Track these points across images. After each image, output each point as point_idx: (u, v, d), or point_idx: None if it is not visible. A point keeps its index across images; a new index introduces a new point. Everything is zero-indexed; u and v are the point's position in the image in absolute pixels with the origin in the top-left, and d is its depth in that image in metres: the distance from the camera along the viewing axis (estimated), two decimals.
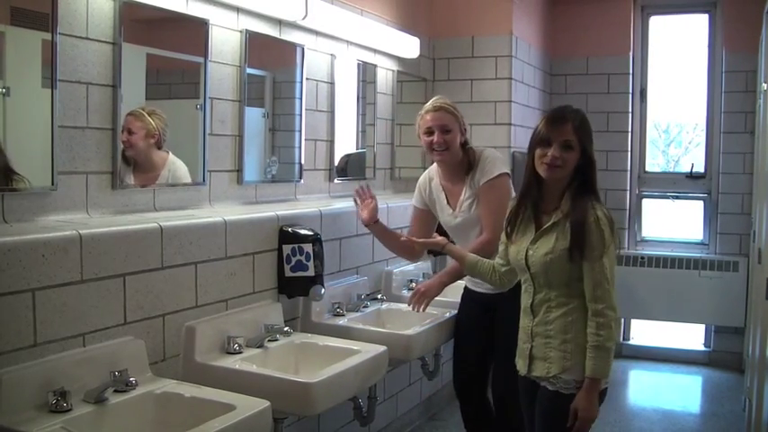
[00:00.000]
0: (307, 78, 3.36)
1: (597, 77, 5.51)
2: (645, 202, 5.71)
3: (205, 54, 2.70)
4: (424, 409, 4.14)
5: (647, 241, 5.70)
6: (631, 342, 5.67)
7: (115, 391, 1.96)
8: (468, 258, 2.63)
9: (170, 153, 2.59)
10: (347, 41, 3.67)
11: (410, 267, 3.79)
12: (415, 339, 2.90)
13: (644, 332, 5.80)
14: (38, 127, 2.10)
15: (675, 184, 5.58)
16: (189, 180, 2.67)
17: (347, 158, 3.76)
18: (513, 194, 2.93)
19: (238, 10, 2.88)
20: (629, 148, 5.55)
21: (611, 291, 2.15)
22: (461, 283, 3.20)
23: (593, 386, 2.15)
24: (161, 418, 2.01)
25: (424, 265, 3.91)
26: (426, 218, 3.17)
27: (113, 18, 2.31)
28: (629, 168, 5.55)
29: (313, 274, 2.75)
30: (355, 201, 3.15)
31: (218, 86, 2.80)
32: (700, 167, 5.52)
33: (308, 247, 2.75)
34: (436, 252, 3.30)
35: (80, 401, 1.90)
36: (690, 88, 5.63)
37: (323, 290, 2.84)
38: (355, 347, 2.57)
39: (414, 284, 3.65)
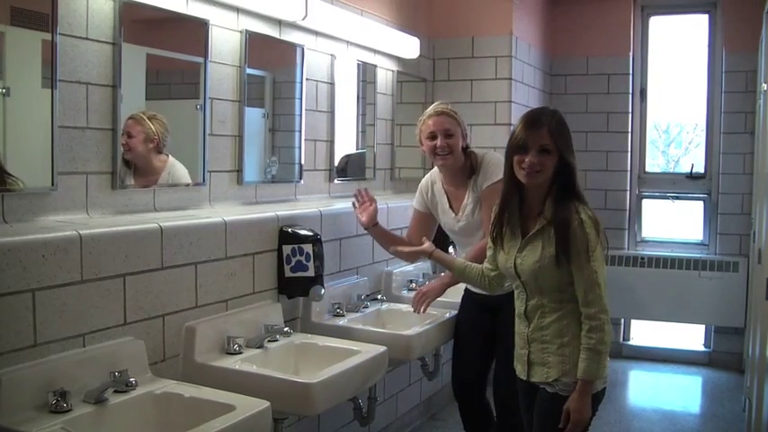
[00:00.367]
0: (307, 79, 3.36)
1: (597, 78, 5.51)
2: (645, 202, 5.71)
3: (205, 54, 2.70)
4: (424, 410, 4.14)
5: (646, 242, 5.70)
6: (631, 342, 5.67)
7: (115, 391, 1.96)
8: (456, 264, 2.64)
9: (170, 156, 2.59)
10: (347, 42, 3.67)
11: (410, 268, 3.79)
12: (415, 340, 2.90)
13: (644, 332, 5.80)
14: (38, 127, 2.10)
15: (675, 185, 5.58)
16: (188, 182, 2.67)
17: (347, 159, 3.76)
18: None
19: (238, 10, 2.88)
20: (629, 149, 5.55)
21: (602, 294, 2.14)
22: (462, 285, 3.20)
23: (586, 388, 2.15)
24: (161, 418, 2.01)
25: (424, 265, 3.91)
26: (426, 220, 3.17)
27: (113, 18, 2.31)
28: (628, 169, 5.55)
29: (313, 274, 2.75)
30: (354, 204, 3.15)
31: (218, 87, 2.80)
32: (700, 168, 5.52)
33: (307, 248, 2.75)
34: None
35: (80, 402, 1.90)
36: (690, 88, 5.63)
37: (323, 290, 2.84)
38: (355, 348, 2.57)
39: (414, 285, 3.66)
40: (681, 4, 5.63)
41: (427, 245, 2.77)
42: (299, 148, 3.34)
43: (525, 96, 4.84)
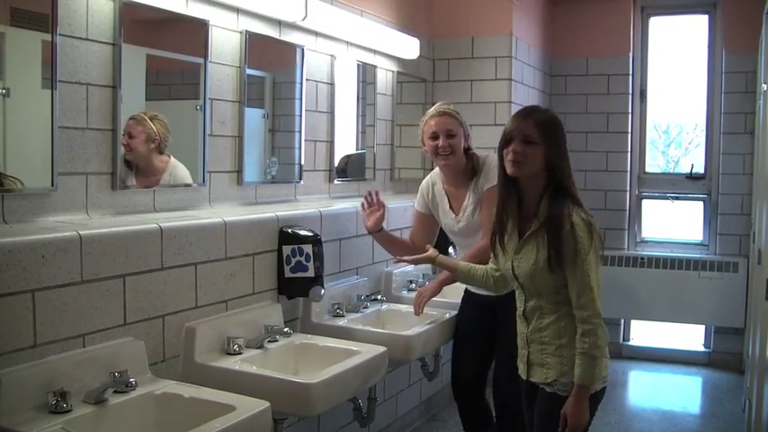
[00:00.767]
0: (307, 79, 3.37)
1: (597, 78, 5.52)
2: (645, 202, 5.71)
3: (205, 55, 2.71)
4: (423, 410, 4.14)
5: (646, 242, 5.70)
6: (631, 343, 5.67)
7: (115, 391, 1.96)
8: (459, 267, 2.63)
9: (171, 157, 2.59)
10: (347, 42, 3.67)
11: (410, 268, 3.79)
12: (415, 340, 2.90)
13: (644, 333, 5.80)
14: (38, 128, 2.10)
15: (675, 185, 5.58)
16: (190, 183, 2.67)
17: (347, 159, 3.76)
18: None
19: (238, 11, 2.88)
20: (629, 149, 5.55)
21: (595, 298, 2.12)
22: (462, 285, 3.20)
23: (582, 393, 2.14)
24: (161, 418, 2.01)
25: (424, 266, 3.91)
26: (428, 222, 3.18)
27: (113, 19, 2.31)
28: (628, 169, 5.55)
29: (313, 274, 2.75)
30: (363, 205, 3.15)
31: (217, 87, 2.80)
32: (699, 168, 5.52)
33: (307, 248, 2.75)
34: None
35: (80, 402, 1.90)
36: (690, 89, 5.63)
37: (323, 290, 2.84)
38: (355, 348, 2.57)
39: (414, 285, 3.66)
40: (681, 5, 5.63)
41: (430, 251, 2.76)
42: (299, 148, 3.34)
43: (525, 97, 4.84)
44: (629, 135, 5.55)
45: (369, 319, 3.17)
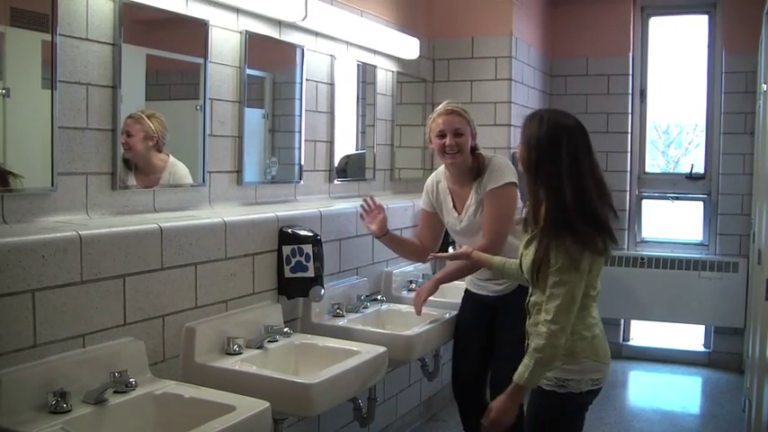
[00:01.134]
0: (307, 79, 3.37)
1: (597, 78, 5.52)
2: (644, 202, 5.71)
3: (205, 55, 2.71)
4: (423, 410, 4.14)
5: (646, 242, 5.70)
6: (631, 343, 5.67)
7: (115, 392, 1.96)
8: (494, 262, 2.61)
9: (170, 156, 2.59)
10: (347, 42, 3.67)
11: (410, 268, 3.79)
12: (415, 340, 2.90)
13: (644, 333, 5.80)
14: (38, 128, 2.10)
15: (675, 185, 5.58)
16: (190, 182, 2.68)
17: (347, 159, 3.76)
18: (520, 204, 2.95)
19: (238, 11, 2.88)
20: (629, 149, 5.55)
21: (560, 308, 2.08)
22: (462, 285, 3.21)
23: (513, 391, 2.15)
24: (161, 419, 2.01)
25: (424, 266, 3.91)
26: (434, 220, 3.18)
27: (113, 19, 2.31)
28: (628, 169, 5.55)
29: (313, 274, 2.75)
30: (361, 215, 3.15)
31: (217, 87, 2.80)
32: (699, 168, 5.53)
33: (307, 248, 2.75)
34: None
35: (80, 402, 1.90)
36: (689, 89, 5.63)
37: (323, 291, 2.84)
38: (355, 348, 2.57)
39: (413, 285, 3.66)
40: (681, 5, 5.63)
41: (465, 248, 2.72)
42: (299, 148, 3.34)
43: (525, 97, 4.84)
44: (629, 135, 5.55)
45: (369, 320, 3.17)
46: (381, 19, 4.01)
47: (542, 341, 2.09)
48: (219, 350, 2.42)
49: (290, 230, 2.77)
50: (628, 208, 5.56)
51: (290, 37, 3.23)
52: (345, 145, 3.75)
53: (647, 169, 5.73)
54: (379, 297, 3.34)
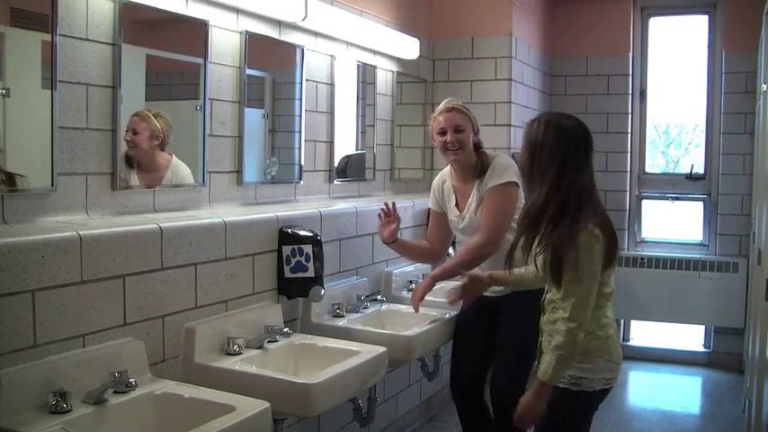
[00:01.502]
0: (306, 79, 3.37)
1: (597, 78, 5.52)
2: (644, 203, 5.71)
3: (205, 55, 2.71)
4: (423, 410, 4.14)
5: (646, 242, 5.70)
6: (631, 343, 5.67)
7: (115, 392, 1.96)
8: (510, 278, 2.62)
9: (173, 155, 2.59)
10: (347, 42, 3.67)
11: (410, 268, 3.79)
12: (415, 340, 2.90)
13: (644, 333, 5.80)
14: (38, 128, 2.10)
15: (675, 185, 5.58)
16: (192, 182, 2.68)
17: (347, 159, 3.76)
18: (522, 203, 2.96)
19: (238, 11, 2.88)
20: (629, 149, 5.55)
21: (576, 304, 2.12)
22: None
23: (540, 388, 2.19)
24: (161, 419, 2.01)
25: (424, 266, 3.91)
26: (443, 220, 3.19)
27: (113, 19, 2.31)
28: (628, 169, 5.55)
29: (313, 275, 2.75)
30: (379, 215, 3.16)
31: (217, 87, 2.80)
32: (699, 168, 5.53)
33: (307, 248, 2.75)
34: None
35: (80, 402, 1.90)
36: (689, 89, 5.63)
37: (323, 291, 2.84)
38: (355, 348, 2.57)
39: (413, 285, 3.66)
40: (680, 5, 5.63)
41: (480, 274, 2.74)
42: (299, 148, 3.34)
43: (525, 97, 4.84)
44: (629, 135, 5.55)
45: (369, 320, 3.17)
46: (381, 19, 4.01)
47: (562, 338, 2.14)
48: (219, 350, 2.42)
49: (290, 230, 2.77)
50: (628, 208, 5.56)
51: (290, 37, 3.23)
52: (345, 145, 3.75)
53: (647, 169, 5.73)
54: (379, 297, 3.34)
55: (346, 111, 3.74)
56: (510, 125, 4.52)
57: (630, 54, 5.49)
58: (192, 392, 2.05)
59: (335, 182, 3.62)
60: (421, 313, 3.09)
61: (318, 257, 2.78)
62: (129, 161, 2.41)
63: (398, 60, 4.20)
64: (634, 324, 5.75)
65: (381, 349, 2.58)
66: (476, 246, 2.92)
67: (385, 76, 4.09)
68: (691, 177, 5.51)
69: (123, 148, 2.37)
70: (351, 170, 3.81)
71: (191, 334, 2.34)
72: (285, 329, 2.62)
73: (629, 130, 5.55)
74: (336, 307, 3.08)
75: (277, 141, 3.28)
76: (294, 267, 2.74)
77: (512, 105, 4.54)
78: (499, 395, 2.91)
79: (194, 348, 2.33)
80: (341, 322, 3.02)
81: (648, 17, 5.62)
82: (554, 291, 2.25)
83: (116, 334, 2.10)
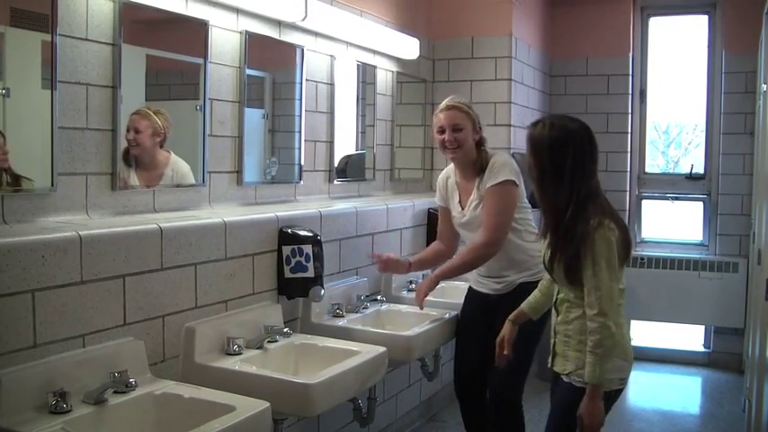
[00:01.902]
0: (306, 79, 3.37)
1: (597, 78, 5.52)
2: (644, 203, 5.71)
3: (205, 55, 2.71)
4: (423, 410, 4.14)
5: (646, 242, 5.70)
6: (631, 343, 5.65)
7: (115, 392, 1.96)
8: (526, 310, 2.58)
9: (171, 153, 2.59)
10: (347, 42, 3.67)
11: None
12: (415, 340, 2.90)
13: (644, 333, 5.80)
14: (38, 128, 2.10)
15: (675, 185, 5.58)
16: (192, 179, 2.68)
17: (347, 159, 3.76)
18: (524, 202, 2.96)
19: (238, 11, 2.88)
20: (629, 149, 5.55)
21: (602, 298, 2.14)
22: (463, 285, 3.21)
23: (593, 392, 2.17)
24: (161, 419, 2.01)
25: None
26: (450, 215, 3.19)
27: (113, 19, 2.31)
28: (628, 169, 5.55)
29: (313, 275, 2.75)
30: (379, 270, 3.18)
31: (217, 87, 2.80)
32: (699, 168, 5.53)
33: (307, 248, 2.75)
34: None
35: (80, 402, 1.90)
36: (689, 89, 5.63)
37: (322, 291, 2.84)
38: (355, 348, 2.57)
39: (413, 285, 3.66)
40: (680, 5, 5.63)
41: (507, 327, 2.65)
42: (299, 148, 3.34)
43: (525, 97, 4.84)
44: (629, 135, 5.55)
45: (368, 320, 3.17)
46: (381, 19, 4.01)
47: (597, 336, 2.14)
48: (219, 350, 2.42)
49: (289, 231, 2.77)
50: (628, 208, 5.56)
51: (290, 37, 3.23)
52: (345, 145, 3.75)
53: (647, 169, 5.73)
54: (378, 297, 3.34)
55: (346, 111, 3.74)
56: (510, 125, 4.52)
57: (630, 54, 5.49)
58: (192, 392, 2.05)
59: (335, 182, 3.62)
60: (421, 313, 3.10)
61: (318, 257, 2.78)
62: (128, 160, 2.41)
63: (398, 60, 4.20)
64: (634, 324, 5.74)
65: (381, 349, 2.58)
66: (477, 246, 2.92)
67: (385, 76, 4.09)
68: (691, 177, 5.51)
69: (123, 144, 2.37)
70: (351, 170, 3.81)
71: (191, 334, 2.34)
72: (285, 329, 2.62)
73: (629, 130, 5.54)
74: (336, 307, 3.08)
75: (277, 141, 3.28)
76: (294, 267, 2.74)
77: (512, 105, 4.54)
78: (496, 393, 2.92)
79: (194, 348, 2.33)
80: (341, 322, 3.02)
81: (648, 17, 5.62)
82: (566, 290, 2.25)
83: (116, 334, 2.10)
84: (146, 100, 2.50)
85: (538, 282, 2.61)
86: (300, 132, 3.34)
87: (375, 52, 3.95)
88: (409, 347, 2.88)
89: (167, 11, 2.53)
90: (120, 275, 2.10)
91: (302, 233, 2.78)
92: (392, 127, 4.20)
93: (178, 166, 2.63)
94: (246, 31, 2.91)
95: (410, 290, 3.64)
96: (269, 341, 2.57)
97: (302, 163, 3.35)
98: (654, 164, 5.93)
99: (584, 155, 2.23)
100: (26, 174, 2.06)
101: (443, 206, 3.20)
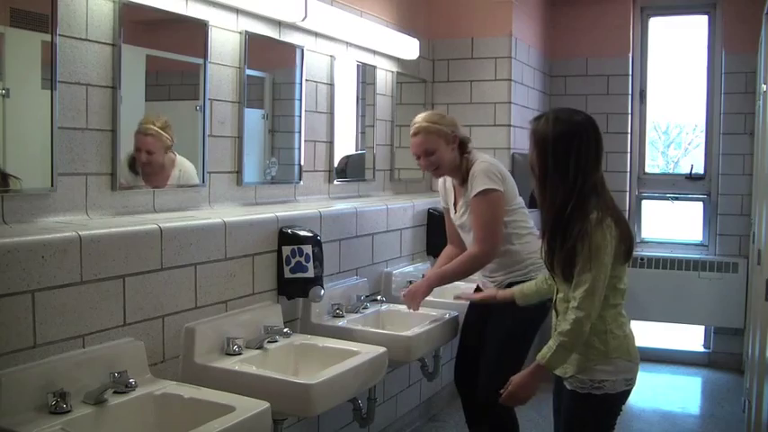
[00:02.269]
0: (306, 80, 3.37)
1: (597, 79, 5.52)
2: (644, 203, 5.71)
3: (205, 55, 2.71)
4: (423, 411, 4.14)
5: (646, 242, 5.70)
6: (635, 343, 5.65)
7: (115, 392, 1.96)
8: (516, 294, 2.64)
9: (177, 154, 2.60)
10: (347, 43, 3.67)
11: (410, 269, 3.79)
12: (415, 341, 2.90)
13: (643, 333, 5.79)
14: (37, 128, 2.10)
15: (675, 186, 5.58)
16: (197, 179, 2.70)
17: (347, 160, 3.76)
18: (518, 204, 2.95)
19: (238, 11, 2.88)
20: (629, 150, 5.55)
21: (587, 295, 2.10)
22: (464, 286, 3.22)
23: (537, 370, 2.18)
24: (160, 419, 2.01)
25: (423, 266, 3.91)
26: None
27: (113, 19, 2.31)
28: (628, 170, 5.55)
29: (312, 275, 2.75)
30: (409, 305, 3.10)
31: (217, 88, 2.80)
32: (699, 169, 5.53)
33: (307, 249, 2.75)
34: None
35: (80, 403, 1.90)
36: (689, 89, 5.63)
37: (322, 291, 2.83)
38: (355, 349, 2.57)
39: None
40: (680, 5, 5.63)
41: (489, 291, 2.83)
42: (299, 149, 3.34)
43: (525, 97, 4.84)
44: (629, 136, 5.55)
45: (368, 320, 3.17)
46: (381, 19, 4.01)
47: (568, 326, 2.11)
48: (219, 350, 2.42)
49: (289, 231, 2.77)
50: (627, 208, 5.56)
51: (290, 37, 3.23)
52: (345, 145, 3.75)
53: (647, 170, 5.73)
54: (378, 297, 3.33)
55: (346, 111, 3.74)
56: (510, 125, 4.52)
57: (630, 54, 5.49)
58: (192, 393, 2.05)
59: (335, 182, 3.62)
60: (421, 313, 3.10)
61: (318, 258, 2.78)
62: (134, 168, 2.43)
63: (398, 60, 4.20)
64: (634, 324, 5.71)
65: (381, 350, 2.58)
66: (471, 257, 2.93)
67: (385, 76, 4.09)
68: (691, 177, 5.51)
69: (125, 149, 2.37)
70: (351, 170, 3.81)
71: (191, 334, 2.34)
72: (285, 330, 2.62)
73: (629, 131, 5.54)
74: (336, 307, 3.08)
75: (277, 141, 3.28)
76: (294, 268, 2.74)
77: (511, 106, 4.54)
78: (481, 393, 2.94)
79: (194, 348, 2.33)
80: (341, 323, 3.02)
81: (648, 17, 5.62)
82: (566, 290, 2.22)
83: (116, 334, 2.10)
84: (146, 100, 2.50)
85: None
86: (300, 132, 3.34)
87: (375, 52, 3.95)
88: (409, 348, 2.88)
89: (167, 11, 2.53)
90: (119, 276, 2.10)
91: (302, 233, 2.78)
92: (392, 127, 4.20)
93: (185, 166, 2.65)
94: (246, 31, 2.91)
95: None
96: (269, 341, 2.57)
97: (302, 163, 3.35)
98: (654, 164, 5.94)
99: (590, 149, 2.22)
100: (25, 173, 2.05)
101: (446, 207, 3.20)
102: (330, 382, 2.27)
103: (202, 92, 2.72)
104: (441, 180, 3.20)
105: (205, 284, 2.42)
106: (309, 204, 3.24)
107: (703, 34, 5.48)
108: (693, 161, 5.60)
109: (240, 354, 2.43)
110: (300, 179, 3.34)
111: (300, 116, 3.34)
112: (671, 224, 5.73)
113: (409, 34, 4.18)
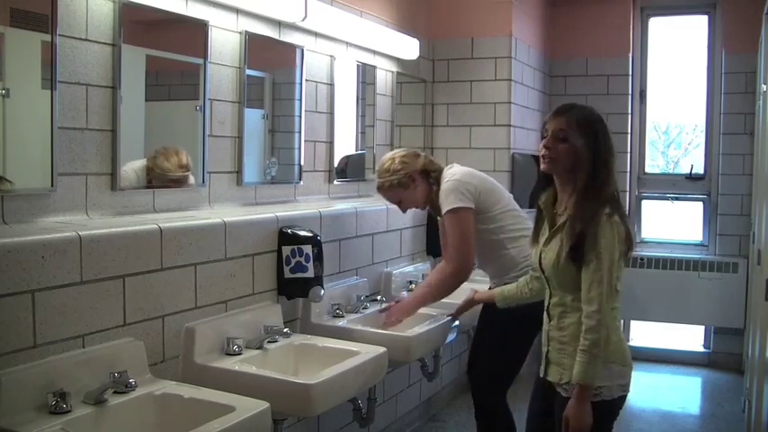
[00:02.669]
0: (306, 80, 3.37)
1: (597, 79, 5.52)
2: (644, 203, 5.71)
3: (205, 55, 2.71)
4: (423, 411, 4.14)
5: (646, 242, 5.70)
6: (631, 343, 5.65)
7: (115, 392, 1.96)
8: (496, 296, 2.67)
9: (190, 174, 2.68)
10: (347, 43, 3.67)
11: (409, 269, 3.79)
12: (415, 341, 2.90)
13: (643, 333, 5.80)
14: (37, 128, 2.10)
15: (675, 186, 5.58)
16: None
17: (347, 160, 3.76)
18: (493, 210, 2.93)
19: (238, 11, 2.88)
20: (629, 150, 5.55)
21: (603, 293, 2.06)
22: (463, 286, 3.21)
23: (582, 393, 2.08)
24: (160, 419, 2.01)
25: (423, 266, 3.92)
26: None
27: (113, 19, 2.31)
28: (628, 170, 5.55)
29: (312, 275, 2.75)
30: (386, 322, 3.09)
31: (217, 88, 2.80)
32: (699, 169, 5.53)
33: (307, 249, 2.75)
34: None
35: (80, 403, 1.90)
36: (689, 89, 5.64)
37: (322, 291, 2.84)
38: (355, 349, 2.57)
39: (412, 286, 3.65)
40: (680, 5, 5.63)
41: (469, 294, 2.88)
42: (299, 149, 3.34)
43: (525, 97, 4.84)
44: (629, 136, 5.55)
45: (368, 320, 3.16)
46: (381, 19, 4.01)
47: (596, 335, 2.05)
48: (219, 350, 2.42)
49: (289, 231, 2.77)
50: (627, 208, 5.55)
51: (290, 37, 3.23)
52: (345, 145, 3.74)
53: (647, 170, 5.73)
54: (378, 297, 3.34)
55: (346, 111, 3.74)
56: (510, 125, 4.52)
57: (630, 54, 5.49)
58: (192, 393, 2.05)
59: (335, 182, 3.62)
60: (421, 313, 3.10)
61: (318, 258, 2.78)
62: (151, 185, 2.50)
63: (398, 60, 4.20)
64: (634, 324, 5.75)
65: (381, 350, 2.58)
66: (446, 277, 2.96)
67: (385, 76, 4.09)
68: (690, 177, 5.51)
69: (126, 149, 2.36)
70: (350, 170, 3.81)
71: (190, 334, 2.34)
72: (285, 330, 2.62)
73: (629, 131, 5.54)
74: (336, 307, 3.08)
75: (277, 142, 3.28)
76: (294, 268, 2.74)
77: (511, 106, 4.54)
78: (473, 396, 2.97)
79: (194, 348, 2.33)
80: (341, 323, 3.02)
81: (648, 17, 5.62)
82: (560, 294, 2.18)
83: (116, 334, 2.10)
84: (145, 100, 2.50)
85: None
86: (300, 133, 3.34)
87: (375, 52, 3.95)
88: (409, 348, 2.88)
89: (167, 11, 2.53)
90: (119, 276, 2.10)
91: (302, 233, 2.78)
92: (392, 127, 4.20)
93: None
94: (246, 31, 2.91)
95: (410, 290, 3.64)
96: (269, 341, 2.57)
97: (302, 163, 3.35)
98: (654, 164, 5.94)
99: (609, 145, 2.17)
100: (26, 174, 2.06)
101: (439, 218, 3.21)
102: (330, 382, 2.27)
103: (202, 92, 2.72)
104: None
105: (205, 284, 2.42)
106: (309, 204, 3.24)
107: (703, 34, 5.48)
108: (693, 161, 5.60)
109: (240, 354, 2.43)
110: (300, 179, 3.34)
111: (300, 116, 3.34)
112: (671, 224, 5.74)
113: (409, 34, 4.18)
